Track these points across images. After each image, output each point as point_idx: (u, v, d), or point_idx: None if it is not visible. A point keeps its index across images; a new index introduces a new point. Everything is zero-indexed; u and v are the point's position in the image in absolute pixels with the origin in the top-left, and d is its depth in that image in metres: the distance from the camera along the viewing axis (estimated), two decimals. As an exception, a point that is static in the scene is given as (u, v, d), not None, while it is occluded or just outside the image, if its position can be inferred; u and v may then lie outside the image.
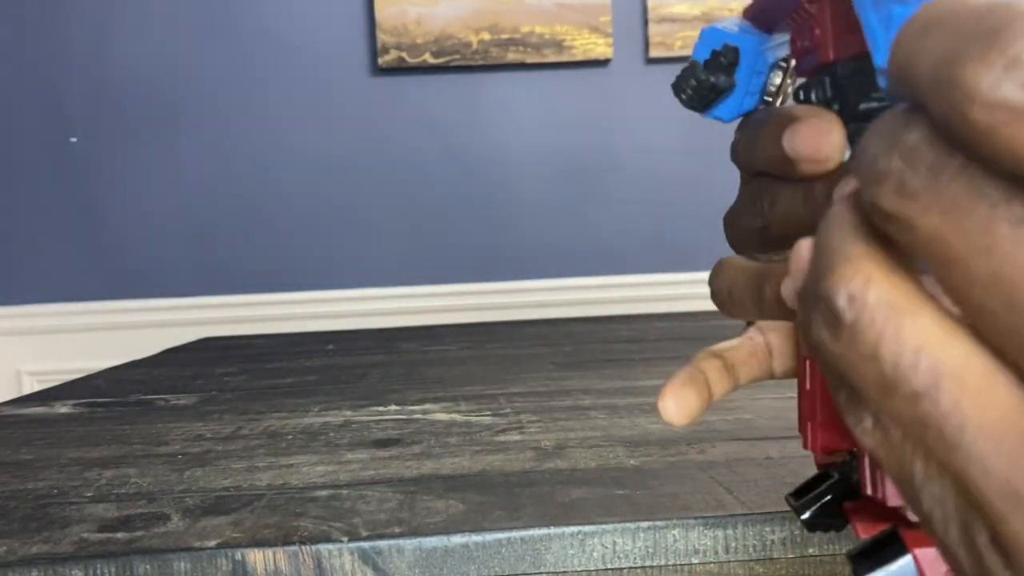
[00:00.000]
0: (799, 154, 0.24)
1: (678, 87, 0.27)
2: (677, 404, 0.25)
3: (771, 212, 0.26)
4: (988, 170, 0.12)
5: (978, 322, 0.13)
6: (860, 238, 0.14)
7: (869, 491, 0.20)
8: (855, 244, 0.14)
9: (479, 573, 0.35)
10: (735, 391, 0.27)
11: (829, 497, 0.23)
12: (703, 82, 0.26)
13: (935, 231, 0.12)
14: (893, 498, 0.19)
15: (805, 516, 0.23)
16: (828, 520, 0.23)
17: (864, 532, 0.22)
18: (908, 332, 0.13)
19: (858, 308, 0.13)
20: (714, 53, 0.26)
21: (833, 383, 0.15)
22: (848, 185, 0.15)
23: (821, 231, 0.15)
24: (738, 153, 0.27)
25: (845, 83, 0.23)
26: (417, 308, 1.50)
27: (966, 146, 0.12)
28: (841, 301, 0.14)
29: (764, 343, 0.27)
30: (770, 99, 0.28)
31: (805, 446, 0.25)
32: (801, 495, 0.24)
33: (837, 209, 0.15)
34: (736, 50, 0.26)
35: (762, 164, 0.26)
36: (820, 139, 0.23)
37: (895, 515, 0.20)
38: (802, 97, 0.25)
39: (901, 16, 0.15)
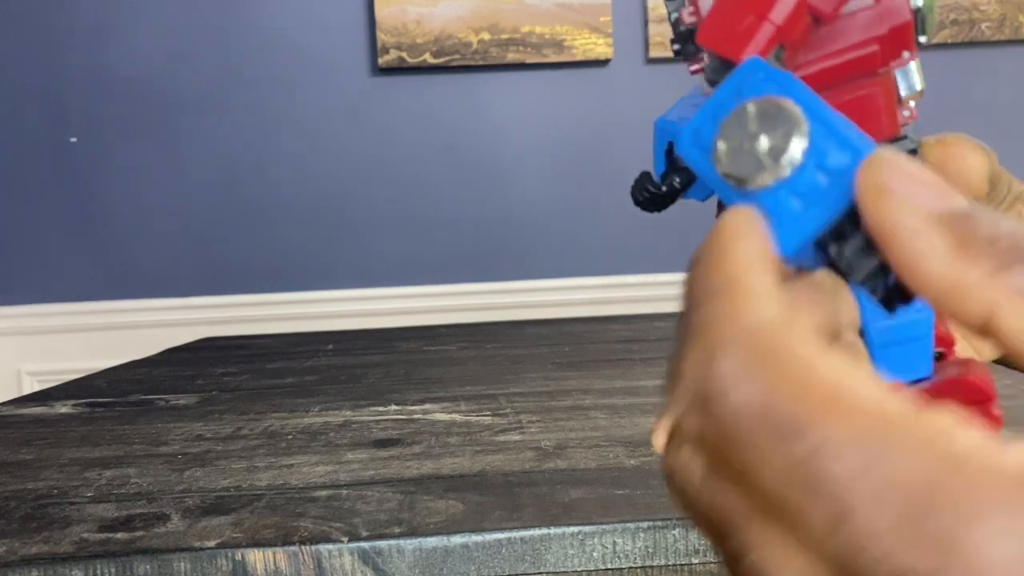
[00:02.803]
0: None
1: (633, 195, 0.26)
2: None
3: None
4: None
5: None
6: None
7: None
8: None
9: (479, 573, 0.35)
10: None
11: None
12: (655, 194, 0.25)
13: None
14: None
15: None
16: None
17: None
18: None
19: None
20: (670, 145, 0.25)
21: None
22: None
23: None
24: None
25: None
26: (417, 308, 1.50)
27: None
28: None
29: None
30: None
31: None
32: None
33: None
34: None
35: None
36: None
37: None
38: None
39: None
